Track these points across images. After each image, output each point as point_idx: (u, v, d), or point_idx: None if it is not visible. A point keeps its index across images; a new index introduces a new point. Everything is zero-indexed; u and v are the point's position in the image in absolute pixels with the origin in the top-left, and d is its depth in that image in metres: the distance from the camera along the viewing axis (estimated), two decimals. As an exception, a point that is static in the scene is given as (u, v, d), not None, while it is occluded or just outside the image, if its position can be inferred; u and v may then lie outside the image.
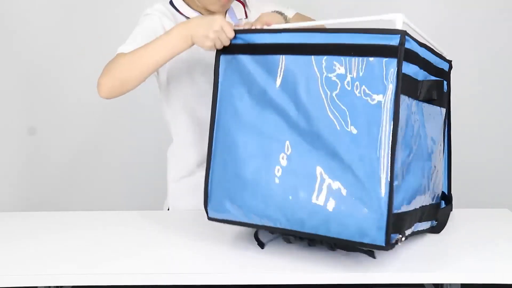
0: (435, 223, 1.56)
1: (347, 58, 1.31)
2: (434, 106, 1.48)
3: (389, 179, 1.26)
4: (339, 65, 1.31)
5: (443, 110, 1.56)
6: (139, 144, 3.06)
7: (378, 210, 1.26)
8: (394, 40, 1.26)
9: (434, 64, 1.47)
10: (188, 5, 1.80)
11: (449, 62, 1.59)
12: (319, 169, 1.33)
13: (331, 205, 1.31)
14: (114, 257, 1.48)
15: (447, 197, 1.63)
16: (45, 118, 3.08)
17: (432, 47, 1.47)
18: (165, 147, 1.96)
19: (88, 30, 2.98)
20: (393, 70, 1.26)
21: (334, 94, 1.32)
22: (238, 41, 1.45)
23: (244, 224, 1.45)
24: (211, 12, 1.77)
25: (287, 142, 1.37)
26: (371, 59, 1.28)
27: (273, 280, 1.39)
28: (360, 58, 1.29)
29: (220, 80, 1.48)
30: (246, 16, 1.85)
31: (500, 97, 3.03)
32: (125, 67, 1.54)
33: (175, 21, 1.76)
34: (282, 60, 1.39)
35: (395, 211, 1.28)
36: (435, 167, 1.51)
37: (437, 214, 1.56)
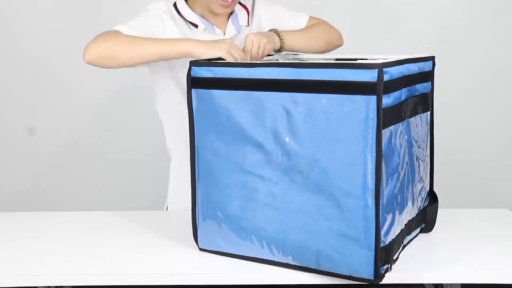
0: (423, 225, 1.57)
1: (326, 95, 1.26)
2: (420, 115, 1.48)
3: (375, 214, 1.26)
4: (318, 101, 1.27)
5: (428, 113, 1.54)
6: (140, 144, 3.05)
7: (366, 246, 1.27)
8: (371, 76, 1.22)
9: (418, 71, 1.44)
10: (191, 8, 1.80)
11: (432, 59, 1.54)
12: (305, 205, 1.32)
13: (319, 241, 1.31)
14: (114, 257, 1.48)
15: (432, 194, 1.63)
16: (44, 118, 3.08)
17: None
18: (163, 147, 1.96)
19: (87, 28, 2.97)
20: (373, 107, 1.22)
21: (315, 131, 1.28)
22: (211, 75, 1.39)
23: (235, 256, 1.44)
24: (214, 14, 1.78)
25: (271, 178, 1.35)
26: (350, 96, 1.24)
27: (273, 280, 1.39)
28: (339, 96, 1.25)
29: (194, 116, 1.43)
30: (248, 24, 1.85)
31: (502, 96, 3.03)
32: (124, 44, 1.60)
33: (175, 23, 1.76)
34: (259, 96, 1.34)
35: (382, 244, 1.28)
36: (420, 176, 1.50)
37: (425, 216, 1.56)
